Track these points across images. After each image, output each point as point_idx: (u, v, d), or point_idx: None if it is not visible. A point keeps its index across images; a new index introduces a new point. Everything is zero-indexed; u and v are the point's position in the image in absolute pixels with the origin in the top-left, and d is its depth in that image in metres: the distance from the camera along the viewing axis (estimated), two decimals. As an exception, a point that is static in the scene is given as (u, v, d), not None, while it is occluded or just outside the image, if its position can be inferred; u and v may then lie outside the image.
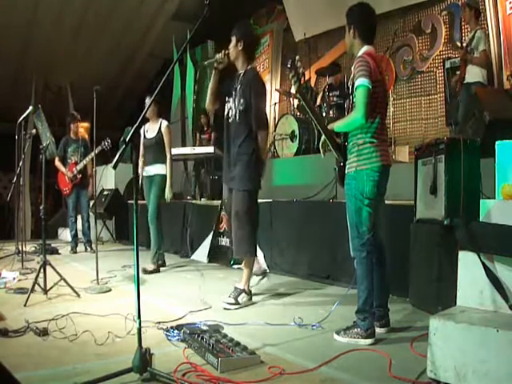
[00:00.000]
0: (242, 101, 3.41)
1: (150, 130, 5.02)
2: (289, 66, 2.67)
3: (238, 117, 3.42)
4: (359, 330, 2.56)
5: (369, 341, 2.54)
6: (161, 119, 5.04)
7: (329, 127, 2.70)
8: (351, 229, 2.66)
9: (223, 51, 3.41)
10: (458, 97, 5.16)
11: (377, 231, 2.70)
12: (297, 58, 2.72)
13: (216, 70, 3.45)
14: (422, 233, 3.28)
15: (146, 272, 4.75)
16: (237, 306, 3.33)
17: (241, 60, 3.48)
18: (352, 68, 2.68)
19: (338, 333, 2.61)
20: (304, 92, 2.94)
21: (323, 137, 2.77)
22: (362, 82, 2.49)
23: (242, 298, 3.41)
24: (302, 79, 2.78)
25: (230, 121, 3.49)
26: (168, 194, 4.95)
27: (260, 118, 3.44)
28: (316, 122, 2.80)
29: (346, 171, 2.68)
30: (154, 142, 4.97)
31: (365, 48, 2.66)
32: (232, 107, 3.48)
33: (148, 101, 4.76)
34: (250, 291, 3.51)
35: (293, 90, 8.27)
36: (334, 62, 7.37)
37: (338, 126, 2.69)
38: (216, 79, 3.50)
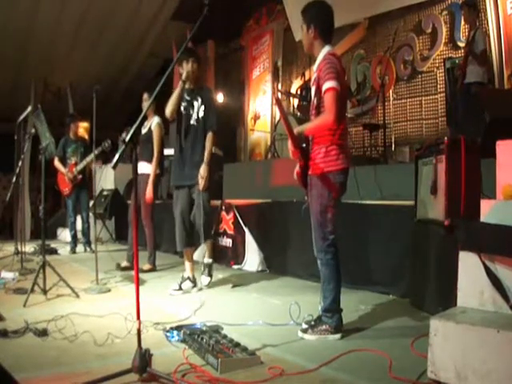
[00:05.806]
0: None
1: (144, 127, 4.89)
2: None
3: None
4: (327, 326, 2.59)
5: (337, 335, 2.58)
6: (155, 116, 4.84)
7: (298, 129, 2.69)
8: (315, 230, 2.66)
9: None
10: (458, 96, 5.16)
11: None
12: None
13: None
14: (422, 233, 3.27)
15: (141, 271, 4.63)
16: (180, 292, 3.82)
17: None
18: (314, 68, 2.66)
19: (304, 331, 2.63)
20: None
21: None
22: (331, 84, 2.49)
23: (186, 284, 3.89)
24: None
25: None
26: (147, 194, 4.60)
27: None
28: (285, 124, 2.78)
29: (311, 172, 2.67)
30: (143, 139, 4.76)
31: (327, 48, 2.63)
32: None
33: (146, 97, 4.74)
34: (195, 279, 3.95)
35: (292, 90, 8.33)
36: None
37: (308, 128, 2.68)
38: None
